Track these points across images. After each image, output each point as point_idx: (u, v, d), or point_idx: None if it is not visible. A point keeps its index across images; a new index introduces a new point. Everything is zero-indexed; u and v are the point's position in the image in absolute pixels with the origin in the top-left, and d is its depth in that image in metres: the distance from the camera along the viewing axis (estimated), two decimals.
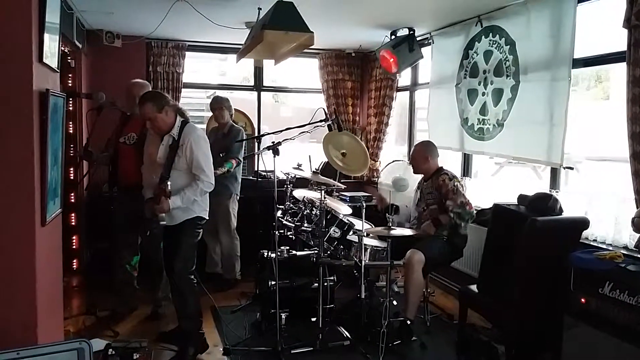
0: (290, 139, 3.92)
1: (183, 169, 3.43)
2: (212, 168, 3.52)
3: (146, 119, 3.45)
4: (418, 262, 3.83)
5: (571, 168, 3.96)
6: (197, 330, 3.65)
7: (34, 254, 2.51)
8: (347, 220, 4.04)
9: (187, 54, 6.01)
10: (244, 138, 4.99)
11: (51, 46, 2.72)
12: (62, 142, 2.95)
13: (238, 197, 5.02)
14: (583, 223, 3.41)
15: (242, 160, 4.93)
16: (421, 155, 4.26)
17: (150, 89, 4.22)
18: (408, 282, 3.87)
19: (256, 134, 6.15)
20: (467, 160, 5.13)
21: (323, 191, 3.82)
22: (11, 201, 2.46)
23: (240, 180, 5.03)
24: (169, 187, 3.26)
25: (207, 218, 3.65)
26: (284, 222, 4.10)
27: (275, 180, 3.64)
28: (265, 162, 3.84)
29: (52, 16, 2.69)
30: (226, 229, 4.95)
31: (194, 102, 7.27)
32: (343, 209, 4.26)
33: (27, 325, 2.50)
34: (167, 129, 3.44)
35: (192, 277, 3.56)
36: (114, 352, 2.64)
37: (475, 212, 4.00)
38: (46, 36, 2.58)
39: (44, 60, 2.58)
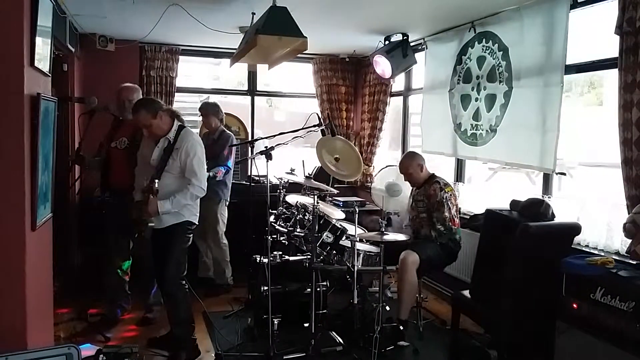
0: (284, 143, 3.93)
1: (175, 172, 3.42)
2: (205, 174, 3.51)
3: (142, 127, 3.44)
4: (412, 262, 3.85)
5: (564, 174, 3.98)
6: (188, 335, 3.64)
7: (24, 258, 2.48)
8: (340, 225, 4.03)
9: (181, 58, 6.01)
10: (235, 143, 4.97)
11: (43, 50, 2.70)
12: (54, 146, 2.93)
13: (227, 203, 5.00)
14: (575, 228, 3.42)
15: (230, 167, 4.91)
16: (405, 171, 4.31)
17: (141, 93, 4.22)
18: (402, 282, 3.89)
19: (249, 139, 6.15)
20: (460, 165, 5.13)
21: (316, 196, 3.82)
22: (1, 205, 2.44)
23: (230, 186, 5.02)
24: (156, 186, 3.24)
25: (197, 223, 3.64)
26: (277, 227, 4.09)
27: (268, 185, 3.64)
28: (258, 166, 3.84)
29: (44, 20, 2.67)
30: (213, 234, 4.93)
31: (188, 107, 7.24)
32: (336, 214, 4.26)
33: (17, 330, 2.47)
34: (164, 134, 3.44)
35: (184, 282, 3.55)
36: (105, 358, 2.64)
37: (457, 229, 4.07)
38: (38, 40, 2.56)
39: (36, 64, 2.56)
